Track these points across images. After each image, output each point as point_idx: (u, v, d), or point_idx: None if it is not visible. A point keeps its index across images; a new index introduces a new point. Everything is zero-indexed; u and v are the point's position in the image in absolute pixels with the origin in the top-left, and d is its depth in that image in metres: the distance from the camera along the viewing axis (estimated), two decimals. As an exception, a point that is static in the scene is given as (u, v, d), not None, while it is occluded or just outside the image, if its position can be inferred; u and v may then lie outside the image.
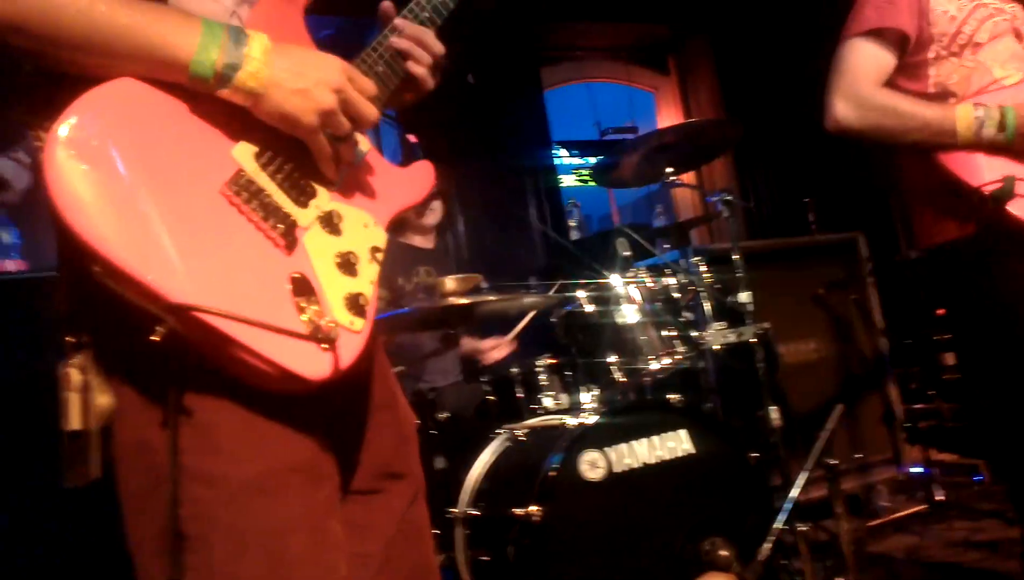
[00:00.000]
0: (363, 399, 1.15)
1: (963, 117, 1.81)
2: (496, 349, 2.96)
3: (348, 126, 1.03)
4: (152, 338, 0.85)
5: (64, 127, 0.86)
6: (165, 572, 0.92)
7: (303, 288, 0.96)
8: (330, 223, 1.04)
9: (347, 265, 1.03)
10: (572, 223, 4.63)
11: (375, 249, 1.08)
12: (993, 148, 1.82)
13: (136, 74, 0.93)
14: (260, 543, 0.94)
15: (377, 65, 1.18)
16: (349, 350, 0.97)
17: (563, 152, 5.45)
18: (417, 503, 1.21)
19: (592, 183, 5.61)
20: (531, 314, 2.85)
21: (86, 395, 0.92)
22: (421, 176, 1.23)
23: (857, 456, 3.14)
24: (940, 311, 2.90)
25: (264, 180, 0.99)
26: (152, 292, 0.84)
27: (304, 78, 0.98)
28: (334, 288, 1.00)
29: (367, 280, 1.04)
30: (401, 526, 1.16)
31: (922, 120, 1.85)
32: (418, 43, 1.22)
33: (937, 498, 3.18)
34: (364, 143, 1.15)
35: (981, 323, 2.00)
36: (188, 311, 0.85)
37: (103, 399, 0.93)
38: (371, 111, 1.04)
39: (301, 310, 0.94)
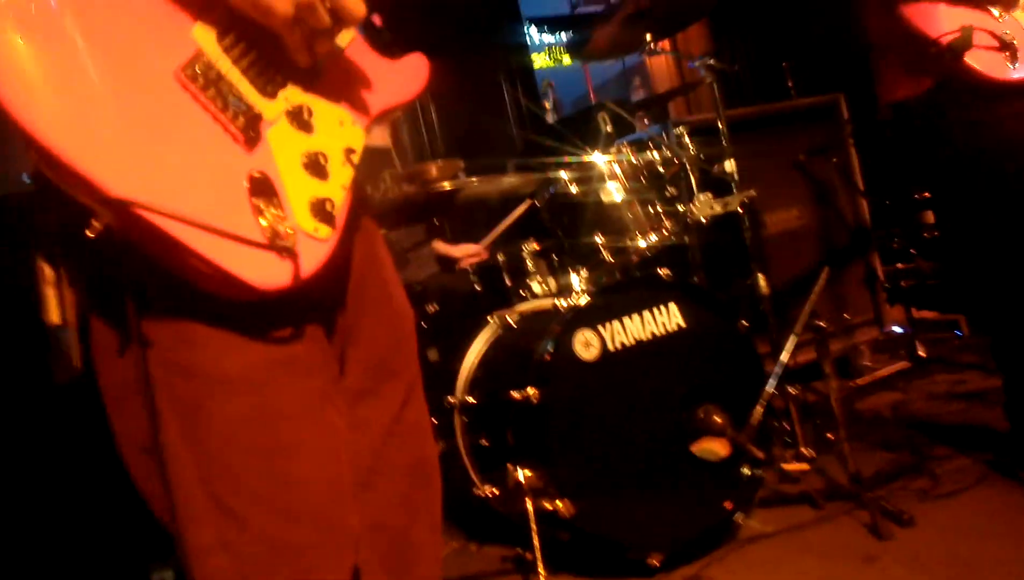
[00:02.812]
0: (351, 297, 1.11)
1: None
2: (471, 256, 2.92)
3: (327, 20, 0.92)
4: (87, 233, 0.78)
5: None
6: (153, 469, 0.90)
7: (263, 188, 0.88)
8: (299, 118, 0.94)
9: (315, 166, 0.93)
10: (547, 104, 4.50)
11: (350, 150, 0.99)
12: None
13: None
14: (252, 436, 0.92)
15: None
16: (312, 258, 0.90)
17: (534, 30, 5.25)
18: (413, 399, 1.18)
19: (566, 62, 5.45)
20: (508, 220, 2.81)
21: (60, 288, 0.88)
22: (413, 71, 1.11)
23: (845, 317, 3.19)
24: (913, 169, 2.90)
25: (226, 65, 0.90)
26: (89, 183, 0.76)
27: None
28: (299, 191, 0.91)
29: (338, 184, 0.95)
30: (396, 424, 1.14)
31: None
32: None
33: (919, 354, 3.26)
34: (347, 34, 1.02)
35: (946, 178, 2.00)
36: (128, 207, 0.77)
37: (72, 292, 0.90)
38: (357, 7, 0.93)
39: (259, 213, 0.86)
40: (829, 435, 2.13)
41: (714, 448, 2.02)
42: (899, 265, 3.49)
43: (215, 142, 0.87)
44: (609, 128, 2.51)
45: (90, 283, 0.90)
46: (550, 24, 5.40)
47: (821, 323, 2.19)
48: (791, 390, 2.29)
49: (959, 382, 2.87)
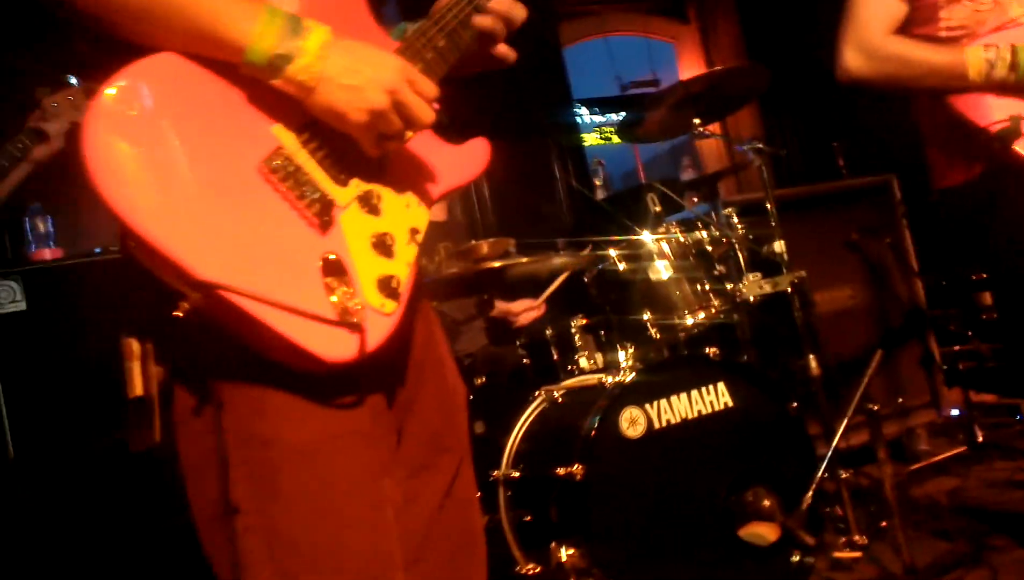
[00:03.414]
0: (410, 372, 1.16)
1: (973, 61, 1.77)
2: (527, 311, 2.97)
3: (399, 126, 1.01)
4: (176, 314, 0.86)
5: (103, 98, 0.85)
6: (223, 539, 0.94)
7: (334, 269, 0.95)
8: (369, 203, 1.03)
9: (383, 246, 1.01)
10: (598, 182, 4.58)
11: (415, 230, 1.06)
12: (1005, 88, 1.78)
13: (193, 51, 0.93)
14: (316, 504, 0.96)
15: (438, 40, 1.13)
16: (378, 332, 0.96)
17: (584, 110, 5.38)
18: (463, 473, 1.22)
19: (615, 140, 5.57)
20: (563, 276, 2.85)
21: (145, 363, 0.95)
22: (475, 154, 1.19)
23: (898, 401, 3.12)
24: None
25: (303, 157, 0.98)
26: (179, 268, 0.85)
27: (358, 76, 0.96)
28: (367, 269, 0.99)
29: (403, 262, 1.03)
30: (447, 498, 1.17)
31: (931, 67, 1.82)
32: (505, 19, 1.19)
33: (978, 439, 3.16)
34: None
35: (1000, 259, 1.98)
36: (213, 289, 0.85)
37: (158, 367, 0.96)
38: (427, 114, 1.01)
39: (330, 291, 0.94)
40: (883, 522, 2.07)
41: (763, 532, 1.98)
42: (956, 347, 3.42)
43: (292, 228, 0.95)
44: (658, 208, 2.56)
45: (174, 358, 0.97)
46: (600, 105, 5.53)
47: (873, 406, 2.15)
48: (843, 474, 2.24)
49: (1019, 469, 2.77)
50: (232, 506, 0.94)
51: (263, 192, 0.94)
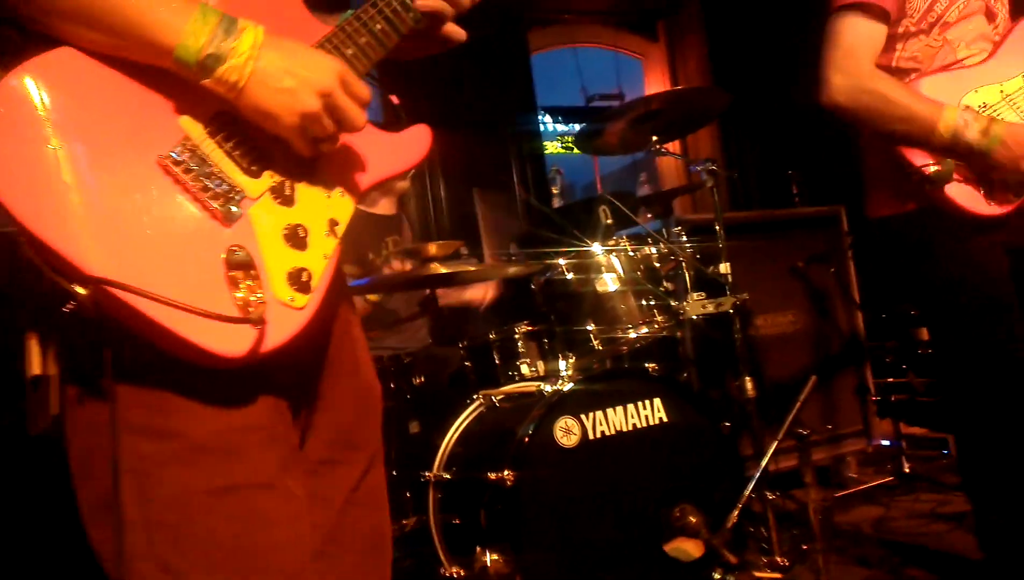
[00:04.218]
0: (324, 368, 1.14)
1: (948, 117, 1.81)
2: (482, 293, 2.94)
3: (332, 129, 0.99)
4: (64, 309, 0.84)
5: None
6: (109, 530, 0.91)
7: (240, 262, 0.93)
8: (282, 194, 1.00)
9: (295, 238, 0.99)
10: (555, 190, 4.60)
11: (334, 222, 1.04)
12: (966, 155, 1.83)
13: (123, 53, 0.92)
14: (209, 503, 0.93)
15: (375, 23, 1.10)
16: (284, 328, 0.94)
17: (548, 118, 5.40)
18: (372, 471, 1.20)
19: (576, 150, 5.60)
20: (512, 268, 2.83)
21: (44, 344, 0.92)
22: (415, 142, 1.16)
23: (828, 427, 3.18)
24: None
25: (210, 148, 0.96)
26: (66, 263, 0.83)
27: (291, 78, 0.95)
28: (277, 262, 0.96)
29: (319, 254, 1.00)
30: (355, 495, 1.16)
31: (909, 112, 1.85)
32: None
33: (905, 471, 3.24)
34: None
35: (927, 297, 2.04)
36: (100, 285, 0.83)
37: (55, 349, 0.93)
38: (359, 118, 1.01)
39: (234, 285, 0.91)
40: (805, 546, 2.11)
41: (687, 549, 1.99)
42: (891, 379, 3.50)
43: (195, 221, 0.93)
44: (609, 220, 2.57)
45: (67, 345, 0.93)
46: (564, 114, 5.56)
47: (803, 431, 2.19)
48: (770, 496, 2.28)
49: (943, 502, 2.84)
50: (119, 499, 0.91)
51: (164, 186, 0.92)
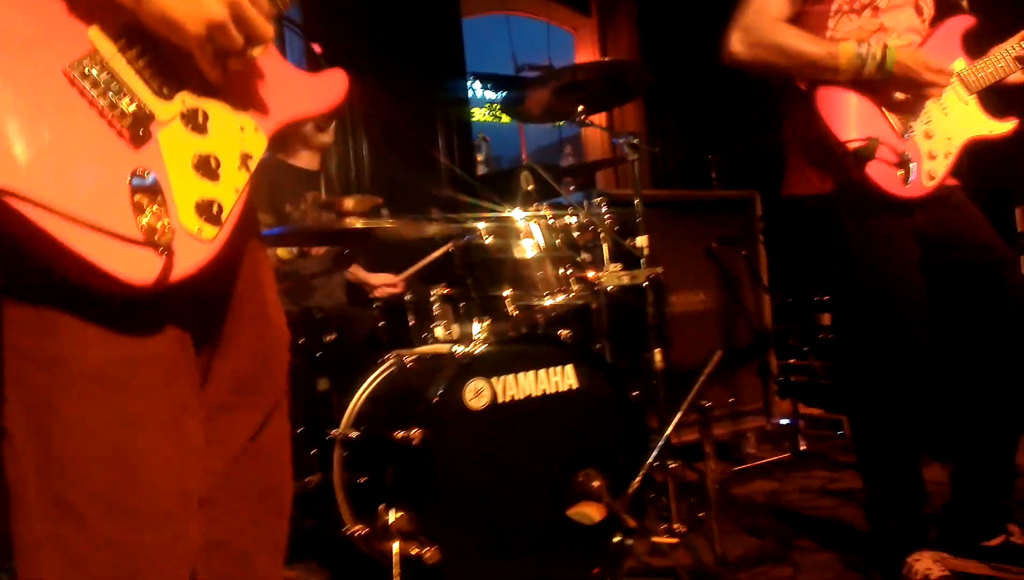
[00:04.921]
0: (228, 308, 1.10)
1: (846, 53, 1.90)
2: (385, 286, 2.92)
3: (239, 41, 0.95)
4: None
5: None
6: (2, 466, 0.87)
7: (146, 187, 0.89)
8: (194, 121, 0.96)
9: (206, 168, 0.95)
10: (480, 157, 4.58)
11: (247, 156, 1.00)
12: (871, 84, 1.92)
13: None
14: (103, 434, 0.90)
15: None
16: (191, 258, 0.91)
17: (477, 84, 5.35)
18: (274, 423, 1.17)
19: (504, 119, 5.58)
20: (424, 261, 2.83)
21: None
22: (331, 86, 1.14)
23: (730, 400, 3.28)
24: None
25: (120, 65, 0.91)
26: None
27: None
28: (186, 190, 0.93)
29: (230, 187, 0.97)
30: (252, 445, 1.13)
31: (806, 57, 1.94)
32: None
33: (801, 448, 3.38)
34: (258, 49, 1.04)
35: (834, 278, 2.12)
36: None
37: None
38: (266, 30, 0.97)
39: (139, 210, 0.87)
40: (701, 514, 2.17)
41: (589, 512, 2.03)
42: (792, 361, 3.63)
43: (100, 139, 0.88)
44: (531, 187, 2.56)
45: None
46: (493, 81, 5.52)
47: (707, 404, 2.25)
48: (671, 465, 2.34)
49: (834, 479, 2.98)
50: (3, 427, 0.87)
51: (69, 98, 0.87)
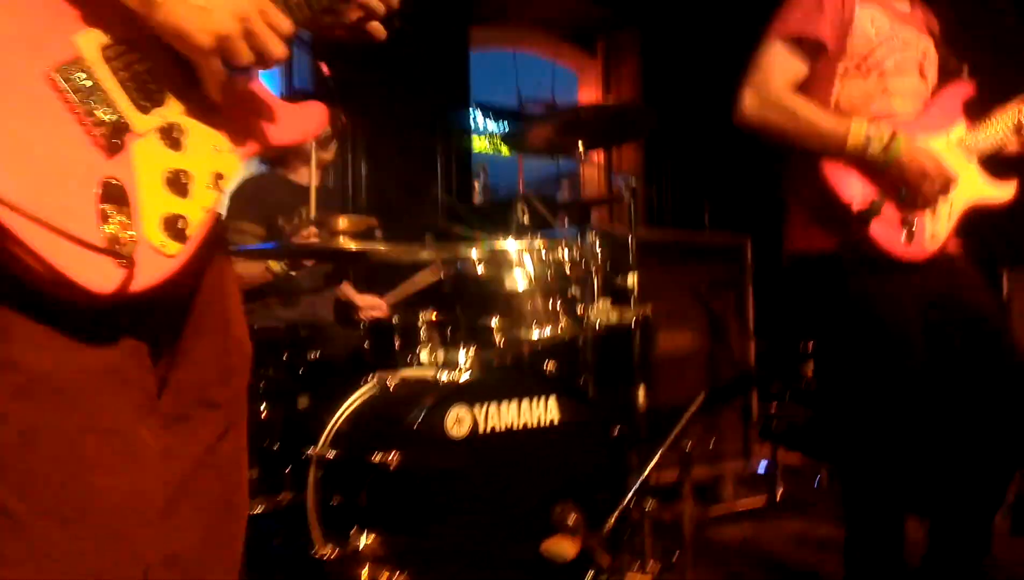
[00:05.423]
0: (187, 321, 1.10)
1: (855, 131, 1.91)
2: (372, 309, 2.92)
3: (248, 57, 0.96)
4: None
5: None
6: None
7: (114, 196, 0.89)
8: (170, 136, 0.97)
9: (177, 184, 0.96)
10: (477, 185, 4.61)
11: (219, 176, 1.01)
12: (870, 166, 1.92)
13: None
14: (53, 440, 0.89)
15: None
16: (151, 272, 0.92)
17: (479, 114, 5.41)
18: (231, 436, 1.16)
19: (504, 151, 5.63)
20: (412, 287, 2.83)
21: None
22: (309, 118, 1.15)
23: (711, 443, 3.28)
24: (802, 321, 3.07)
25: (103, 73, 0.92)
26: None
27: None
28: (154, 204, 0.93)
29: (199, 205, 0.98)
30: (207, 458, 1.12)
31: (815, 128, 1.95)
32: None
33: (777, 496, 3.37)
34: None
35: (834, 335, 2.13)
36: None
37: None
38: (278, 49, 0.98)
39: (104, 218, 0.88)
40: (675, 556, 2.16)
41: (563, 547, 2.02)
42: (773, 406, 3.64)
43: (74, 145, 0.89)
44: (526, 218, 2.58)
45: None
46: (496, 113, 5.58)
47: (687, 444, 2.25)
48: (648, 505, 2.33)
49: (810, 527, 2.97)
50: None
51: (47, 101, 0.87)
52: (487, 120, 5.51)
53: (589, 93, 5.89)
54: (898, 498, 2.03)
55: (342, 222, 2.21)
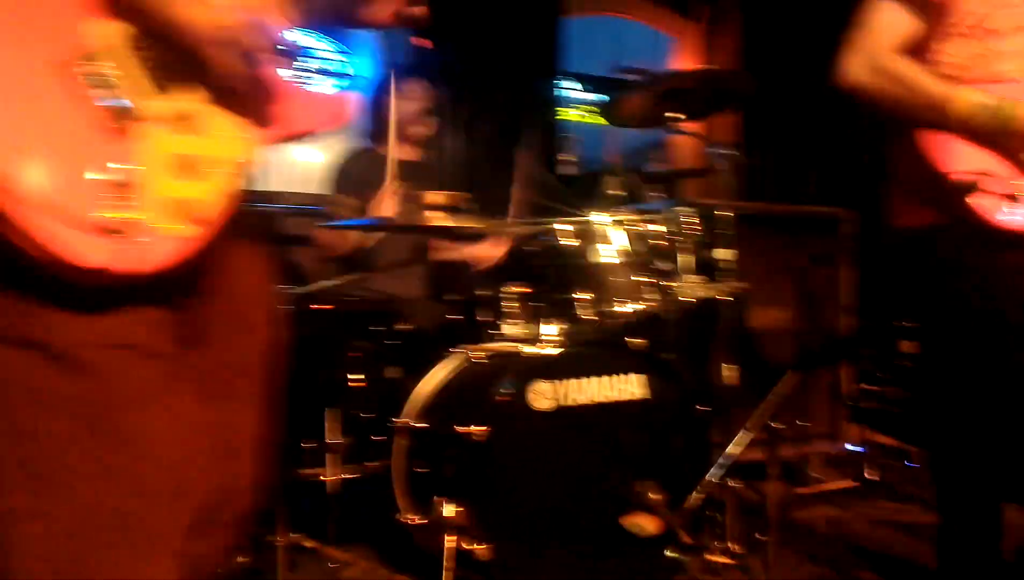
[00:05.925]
0: (206, 306, 1.12)
1: (964, 99, 1.80)
2: (486, 259, 2.93)
3: (251, 48, 0.99)
4: None
5: None
6: None
7: (122, 179, 0.91)
8: (187, 120, 0.99)
9: (189, 168, 0.98)
10: (569, 157, 4.56)
11: (234, 162, 1.03)
12: (976, 137, 1.82)
13: None
14: (81, 412, 0.92)
15: None
16: (161, 253, 0.94)
17: (572, 84, 5.35)
18: (242, 419, 1.18)
19: (594, 120, 5.56)
20: (523, 228, 2.81)
21: None
22: (334, 107, 1.17)
23: (801, 424, 3.21)
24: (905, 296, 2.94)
25: (120, 57, 0.94)
26: None
27: None
28: (164, 188, 0.95)
29: (213, 189, 0.99)
30: (210, 441, 1.13)
31: (921, 93, 1.84)
32: None
33: (866, 476, 3.27)
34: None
35: (941, 314, 2.04)
36: None
37: None
38: (270, 43, 1.00)
39: (112, 201, 0.90)
40: (759, 536, 2.14)
41: (644, 524, 2.04)
42: (866, 386, 3.52)
43: (86, 128, 0.91)
44: (616, 191, 2.56)
45: None
46: (589, 82, 5.50)
47: (776, 425, 2.21)
48: (733, 484, 2.31)
49: (899, 511, 2.89)
50: None
51: (63, 85, 0.89)
52: (581, 91, 5.45)
53: (685, 60, 5.73)
54: (997, 486, 1.94)
55: (432, 197, 2.25)
